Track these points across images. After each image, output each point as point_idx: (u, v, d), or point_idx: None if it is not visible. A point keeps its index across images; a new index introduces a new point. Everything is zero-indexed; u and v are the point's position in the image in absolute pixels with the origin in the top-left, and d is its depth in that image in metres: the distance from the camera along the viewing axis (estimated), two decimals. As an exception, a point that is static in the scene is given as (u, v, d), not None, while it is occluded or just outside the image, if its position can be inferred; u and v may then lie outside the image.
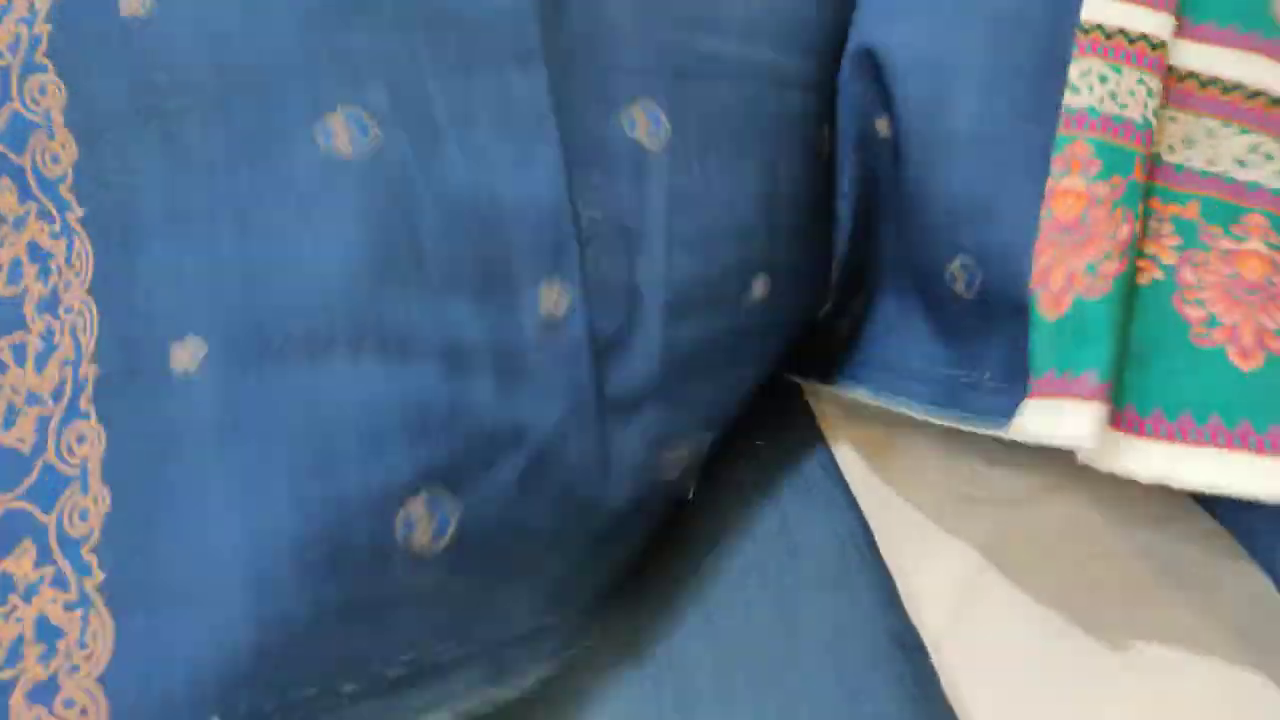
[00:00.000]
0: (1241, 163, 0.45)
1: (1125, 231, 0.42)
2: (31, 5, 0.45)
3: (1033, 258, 0.42)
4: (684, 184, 0.44)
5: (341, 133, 0.40)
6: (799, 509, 0.50)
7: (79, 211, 0.42)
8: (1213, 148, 0.45)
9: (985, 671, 0.45)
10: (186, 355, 0.38)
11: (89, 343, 0.40)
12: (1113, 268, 0.41)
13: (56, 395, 0.39)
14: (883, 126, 0.48)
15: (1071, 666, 0.45)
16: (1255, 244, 0.43)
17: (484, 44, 0.42)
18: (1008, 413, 0.41)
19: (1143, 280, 0.42)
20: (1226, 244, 0.43)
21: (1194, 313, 0.42)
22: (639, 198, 0.43)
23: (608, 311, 0.42)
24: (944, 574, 0.49)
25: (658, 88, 0.44)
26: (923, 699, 0.43)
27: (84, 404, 0.39)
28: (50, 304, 0.41)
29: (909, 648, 0.44)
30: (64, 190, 0.42)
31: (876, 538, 0.50)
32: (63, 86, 0.44)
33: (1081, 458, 0.40)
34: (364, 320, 0.38)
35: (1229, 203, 0.44)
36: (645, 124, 0.44)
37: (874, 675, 0.43)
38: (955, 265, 0.46)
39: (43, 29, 0.44)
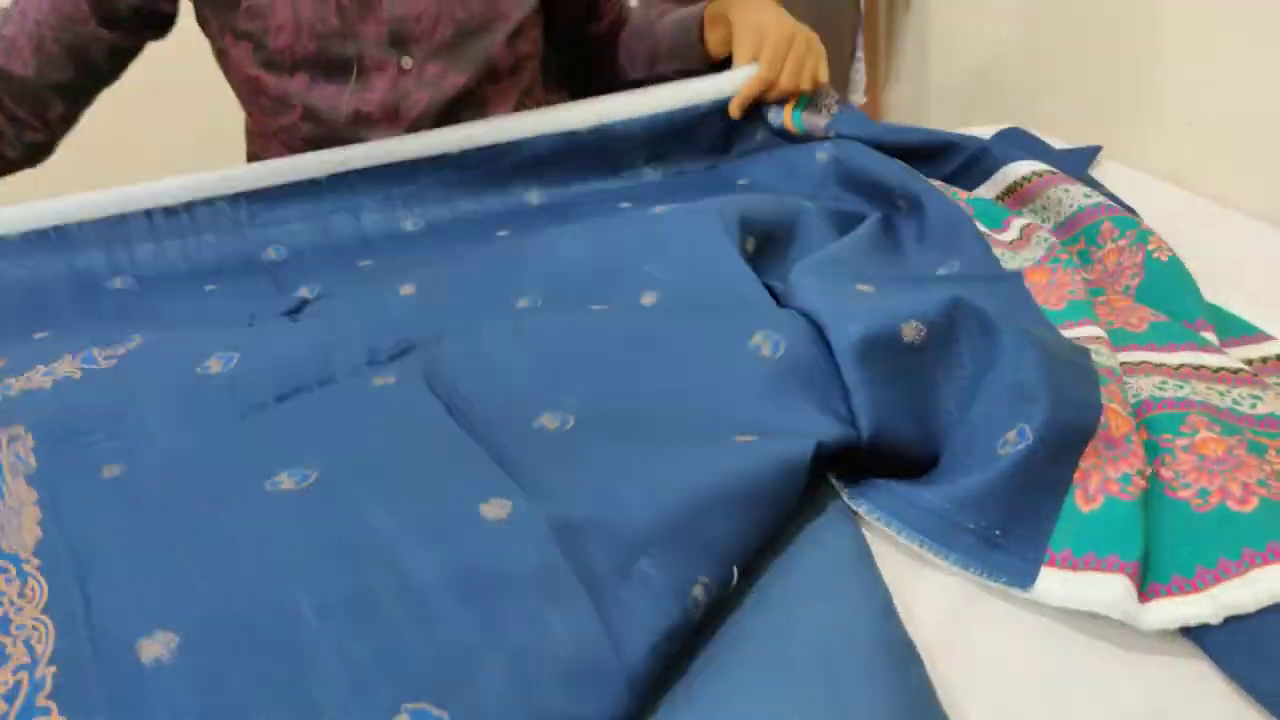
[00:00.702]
0: None
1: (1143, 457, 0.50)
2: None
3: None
4: None
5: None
6: (792, 519, 0.50)
7: (36, 562, 0.48)
8: None
9: (981, 682, 0.44)
10: (157, 647, 0.42)
11: (45, 649, 0.43)
12: (1141, 483, 0.49)
13: (10, 697, 0.41)
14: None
15: (1068, 678, 0.45)
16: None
17: None
18: (1028, 579, 0.47)
19: None
20: None
21: None
22: None
23: None
24: (940, 583, 0.49)
25: None
26: (917, 710, 0.41)
27: (41, 701, 0.41)
28: (1, 626, 0.45)
29: (903, 659, 0.43)
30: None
31: (872, 547, 0.50)
32: None
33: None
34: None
35: None
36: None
37: (867, 688, 0.41)
38: (1011, 434, 0.51)
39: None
